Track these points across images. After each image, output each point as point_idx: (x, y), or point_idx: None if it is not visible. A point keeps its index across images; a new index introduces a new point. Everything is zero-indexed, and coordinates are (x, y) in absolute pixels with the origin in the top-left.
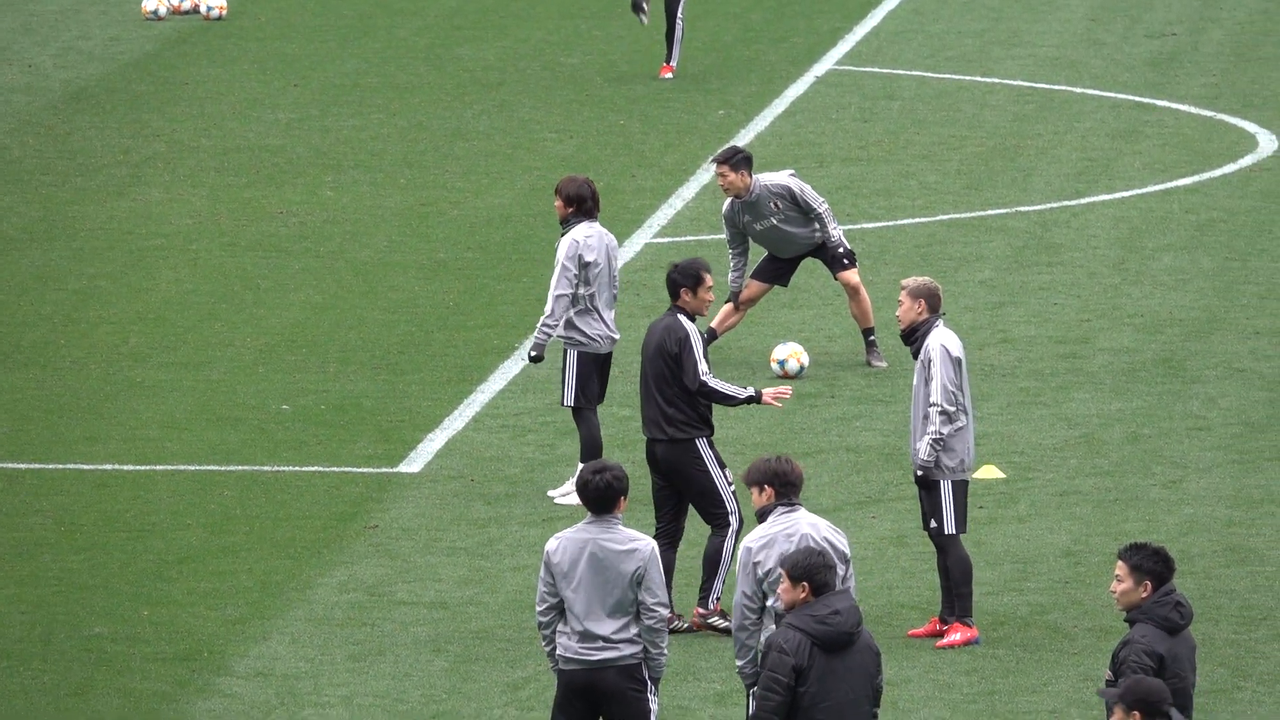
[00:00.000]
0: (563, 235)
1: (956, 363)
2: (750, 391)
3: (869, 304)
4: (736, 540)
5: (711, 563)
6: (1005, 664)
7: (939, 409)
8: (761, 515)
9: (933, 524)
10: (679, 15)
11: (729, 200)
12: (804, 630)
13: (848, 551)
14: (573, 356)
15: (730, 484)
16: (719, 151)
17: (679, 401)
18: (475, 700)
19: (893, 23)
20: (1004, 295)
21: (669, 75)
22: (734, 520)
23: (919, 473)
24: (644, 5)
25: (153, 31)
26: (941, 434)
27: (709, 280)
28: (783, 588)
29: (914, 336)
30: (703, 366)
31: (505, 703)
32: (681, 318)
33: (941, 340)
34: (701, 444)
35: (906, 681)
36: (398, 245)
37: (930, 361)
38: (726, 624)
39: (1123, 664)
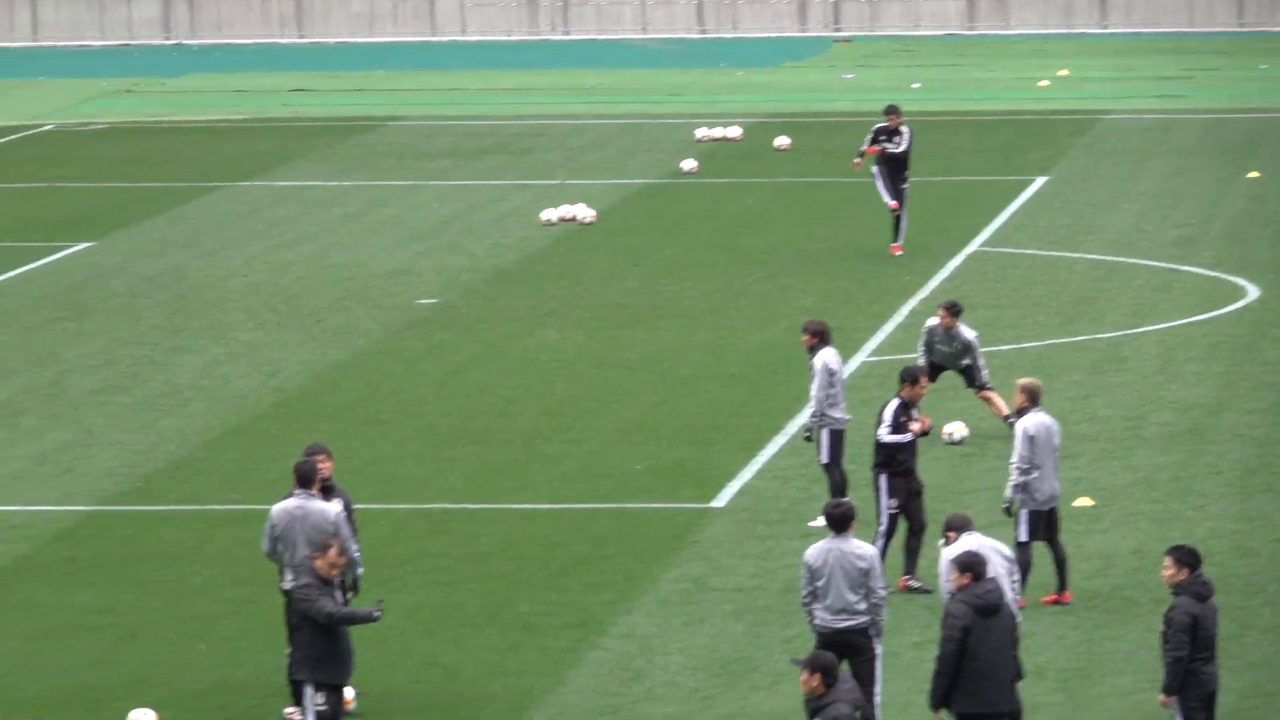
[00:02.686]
0: (812, 358)
1: (1030, 439)
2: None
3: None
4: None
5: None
6: (1097, 620)
7: (1015, 468)
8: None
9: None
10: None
11: (936, 326)
12: (968, 603)
13: (1009, 554)
14: (825, 432)
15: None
16: (948, 301)
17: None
18: (763, 650)
19: (1014, 219)
20: (1089, 390)
21: (899, 253)
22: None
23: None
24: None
25: (547, 232)
26: (1017, 482)
27: (923, 381)
28: (954, 577)
29: (1019, 416)
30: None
31: (781, 651)
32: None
33: (1024, 424)
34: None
35: (1033, 634)
36: (705, 364)
37: (1016, 438)
38: (920, 585)
39: (1170, 622)
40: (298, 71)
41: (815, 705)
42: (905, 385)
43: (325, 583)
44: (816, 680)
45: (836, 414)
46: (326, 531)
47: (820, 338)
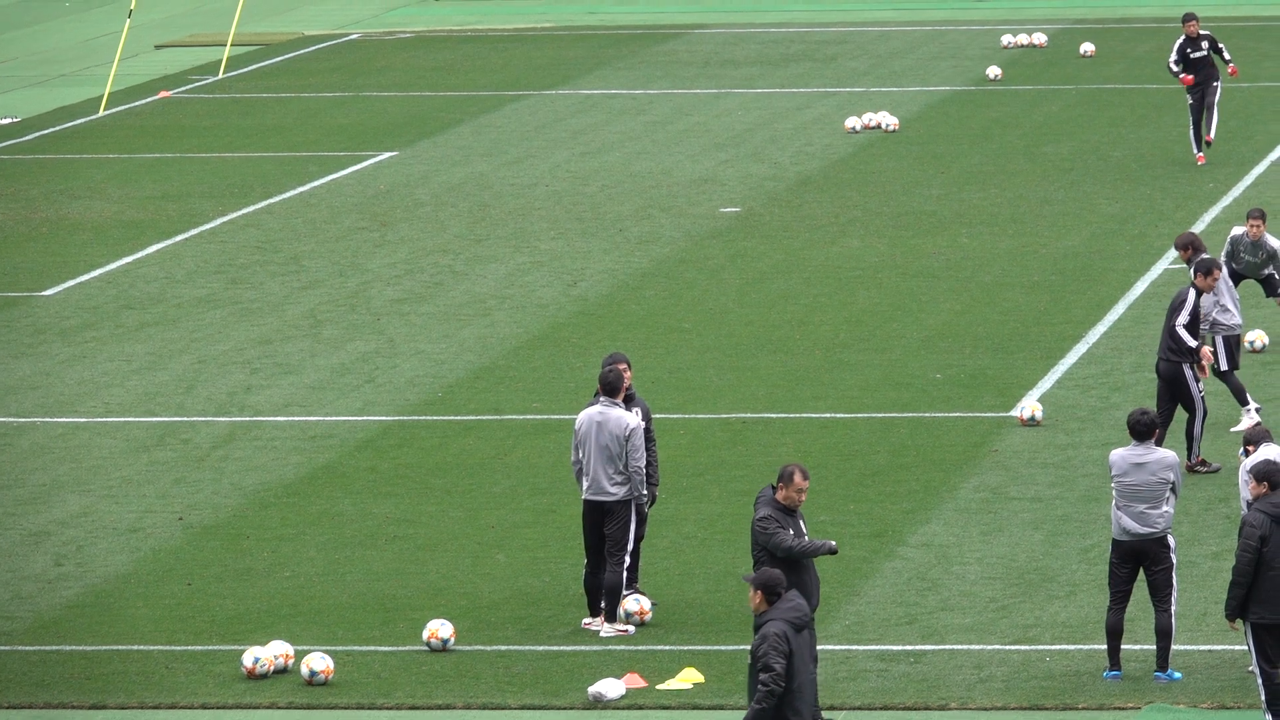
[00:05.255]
0: (1191, 269)
1: None
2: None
3: None
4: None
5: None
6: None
7: None
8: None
9: None
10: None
11: (1243, 235)
12: (1265, 511)
13: None
14: (1219, 339)
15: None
16: (1258, 210)
17: (1168, 337)
18: (1060, 560)
19: None
20: None
21: (1203, 162)
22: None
23: None
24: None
25: (851, 140)
26: None
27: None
28: (1251, 486)
29: None
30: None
31: (1079, 561)
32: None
33: None
34: (1186, 369)
35: None
36: (1007, 272)
37: None
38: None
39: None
40: None
41: (757, 622)
42: (1199, 275)
43: (788, 512)
44: (759, 598)
45: (1227, 320)
46: (621, 440)
47: (1192, 248)
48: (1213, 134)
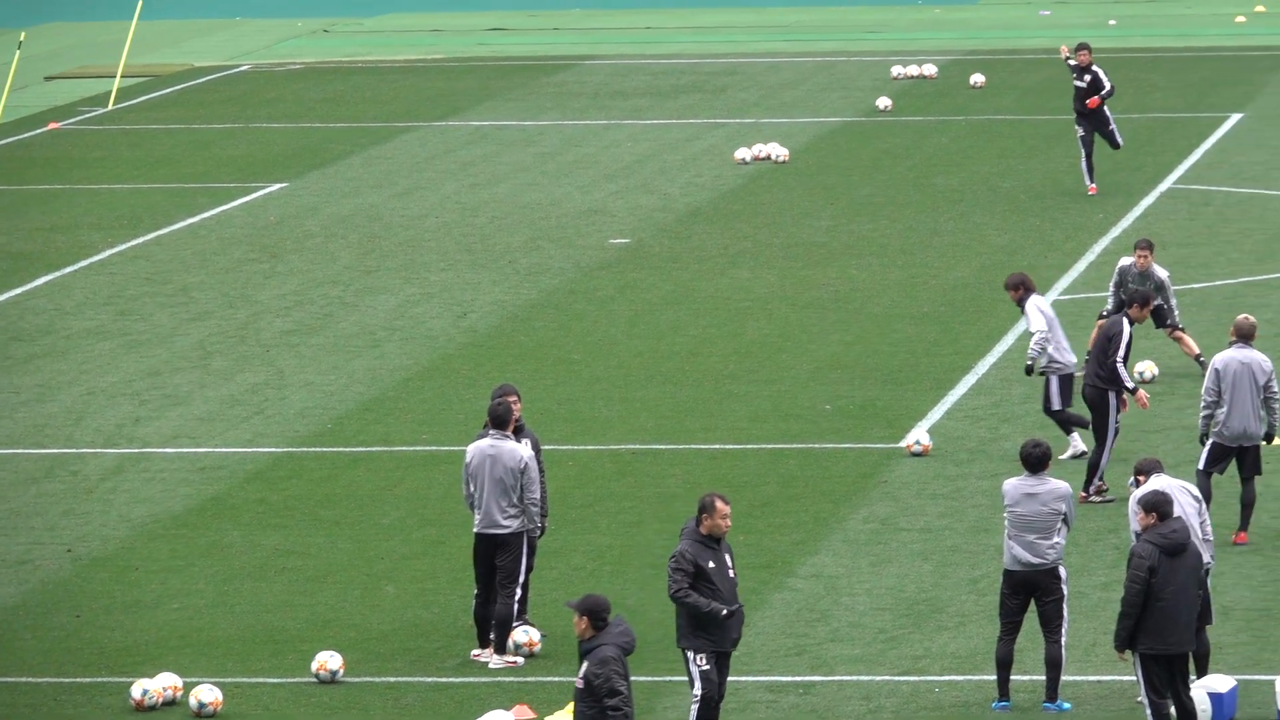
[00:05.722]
0: (1023, 309)
1: (1215, 372)
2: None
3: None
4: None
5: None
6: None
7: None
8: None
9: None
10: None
11: (1130, 266)
12: (1154, 543)
13: (1199, 494)
14: (1054, 379)
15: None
16: (1144, 241)
17: (1096, 363)
18: (949, 590)
19: (1208, 156)
20: None
21: (1094, 192)
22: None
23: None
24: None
25: (741, 171)
26: (1202, 414)
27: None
28: (1140, 517)
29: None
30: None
31: (968, 591)
32: (1124, 319)
33: (1216, 357)
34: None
35: (1220, 575)
36: (897, 303)
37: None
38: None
39: None
40: (495, 11)
41: (584, 648)
42: (1135, 307)
43: (714, 541)
44: (584, 624)
45: (1062, 358)
46: (516, 473)
47: (1023, 288)
48: (1120, 140)
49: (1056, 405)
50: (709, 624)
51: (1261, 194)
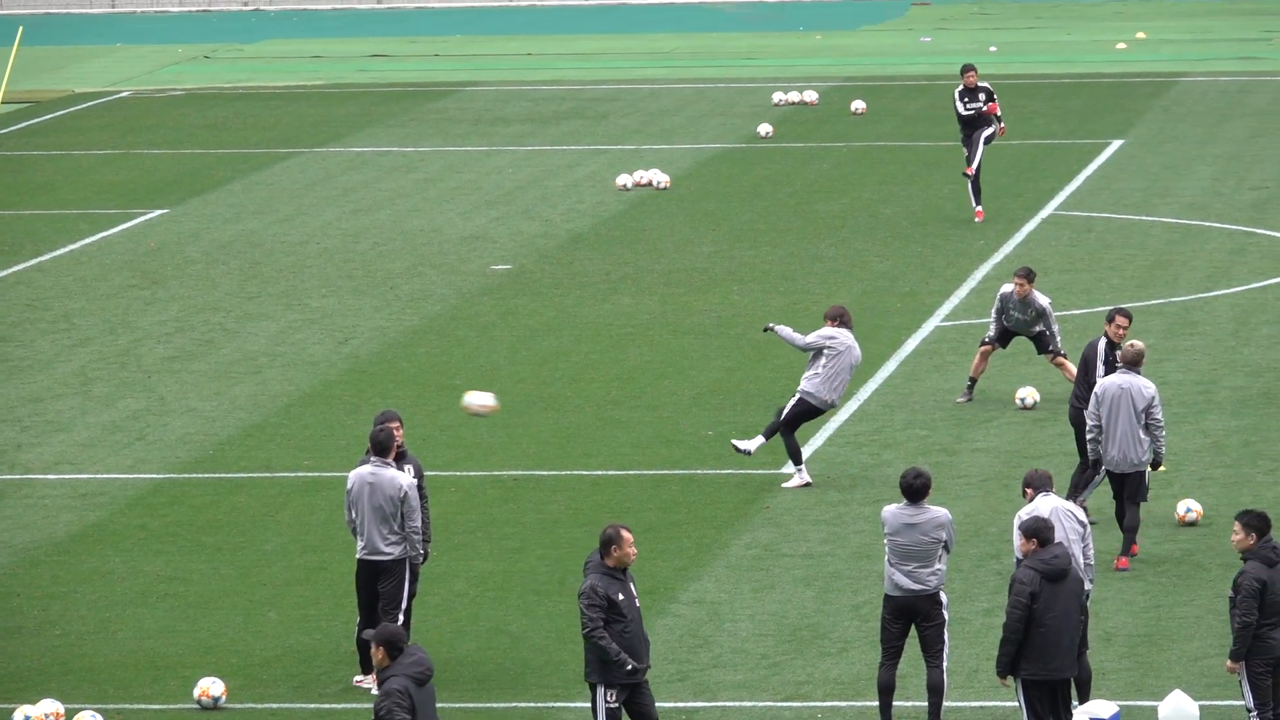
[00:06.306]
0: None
1: (1095, 397)
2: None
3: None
4: None
5: None
6: (1165, 586)
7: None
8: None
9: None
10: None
11: (1010, 293)
12: (1035, 568)
13: (1084, 519)
14: (803, 401)
15: None
16: (1024, 269)
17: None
18: (832, 616)
19: (1089, 184)
20: (1162, 354)
21: (981, 219)
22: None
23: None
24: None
25: (622, 197)
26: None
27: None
28: (1021, 543)
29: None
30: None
31: (850, 617)
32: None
33: (1099, 383)
34: None
35: (1102, 600)
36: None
37: None
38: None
39: (1239, 588)
40: (375, 37)
41: (381, 677)
42: (1108, 325)
43: (621, 571)
44: (380, 653)
45: (823, 393)
46: (396, 501)
47: (840, 320)
48: (974, 167)
49: (783, 417)
50: (615, 666)
51: (1142, 220)
